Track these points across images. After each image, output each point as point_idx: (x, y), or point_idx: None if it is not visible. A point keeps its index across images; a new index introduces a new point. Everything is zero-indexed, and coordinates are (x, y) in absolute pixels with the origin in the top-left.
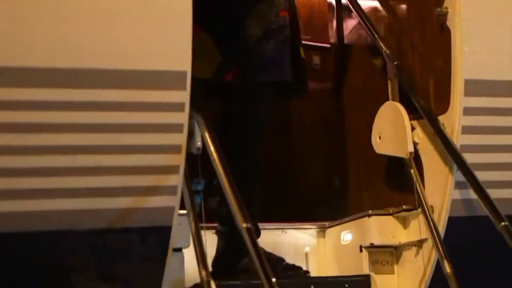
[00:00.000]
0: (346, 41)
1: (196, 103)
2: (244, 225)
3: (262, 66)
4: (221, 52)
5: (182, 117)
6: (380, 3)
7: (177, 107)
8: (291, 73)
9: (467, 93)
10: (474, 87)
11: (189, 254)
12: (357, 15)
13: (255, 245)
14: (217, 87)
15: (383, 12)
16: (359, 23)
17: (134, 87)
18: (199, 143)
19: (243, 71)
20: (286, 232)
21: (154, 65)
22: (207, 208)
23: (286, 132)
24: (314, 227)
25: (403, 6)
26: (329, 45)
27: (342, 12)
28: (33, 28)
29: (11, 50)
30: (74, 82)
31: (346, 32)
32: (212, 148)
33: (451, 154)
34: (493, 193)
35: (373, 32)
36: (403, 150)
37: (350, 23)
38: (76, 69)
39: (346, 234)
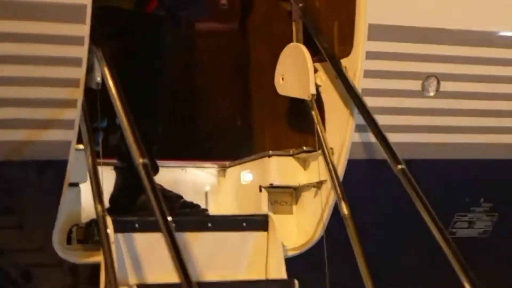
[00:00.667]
0: None
1: (98, 39)
2: (141, 160)
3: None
4: None
5: (81, 51)
6: None
7: (76, 40)
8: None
9: (370, 38)
10: (377, 32)
11: (87, 189)
12: None
13: (150, 181)
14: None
15: None
16: None
17: (34, 19)
18: (98, 78)
19: (164, 3)
20: (186, 171)
21: None
22: (107, 144)
23: (190, 72)
24: (215, 166)
25: None
26: None
27: None
28: None
29: None
30: None
31: None
32: (110, 83)
33: (352, 97)
34: (392, 137)
35: None
36: (305, 92)
37: None
38: None
39: (246, 174)
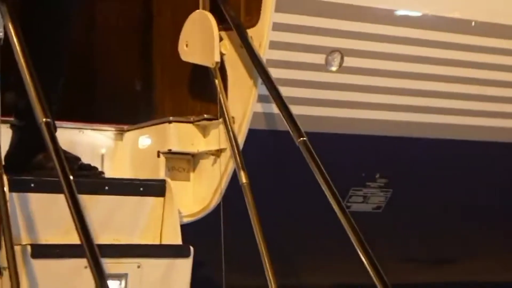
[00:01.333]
0: None
1: None
2: (44, 119)
3: None
4: None
5: None
6: None
7: None
8: None
9: (277, 9)
10: (284, 4)
11: None
12: None
13: (54, 140)
14: None
15: None
16: None
17: None
18: (0, 34)
19: None
20: (83, 132)
21: None
22: (3, 102)
23: (90, 32)
24: (112, 129)
25: None
26: None
27: None
28: None
29: None
30: None
31: None
32: (15, 39)
33: (257, 67)
34: (294, 109)
35: None
36: (209, 60)
37: None
38: None
39: (144, 139)
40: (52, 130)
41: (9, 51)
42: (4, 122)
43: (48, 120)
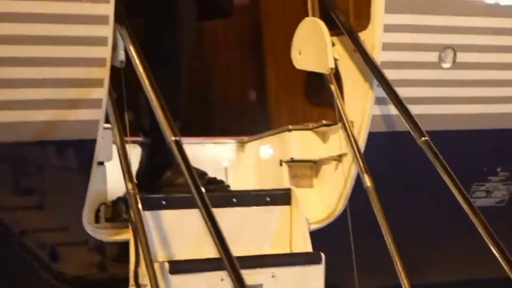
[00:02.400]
0: None
1: (121, 16)
2: (173, 138)
3: None
4: None
5: (107, 30)
6: None
7: (101, 19)
8: None
9: (387, 10)
10: (394, 4)
11: (111, 168)
12: None
13: (184, 158)
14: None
15: None
16: None
17: None
18: (122, 56)
19: None
20: (205, 147)
21: None
22: (133, 122)
23: (203, 47)
24: (233, 141)
25: None
26: None
27: None
28: None
29: None
30: None
31: None
32: (137, 61)
33: (372, 70)
34: (413, 109)
35: None
36: (323, 66)
37: None
38: None
39: (265, 149)
40: (182, 148)
41: (132, 72)
42: (134, 142)
43: (177, 138)
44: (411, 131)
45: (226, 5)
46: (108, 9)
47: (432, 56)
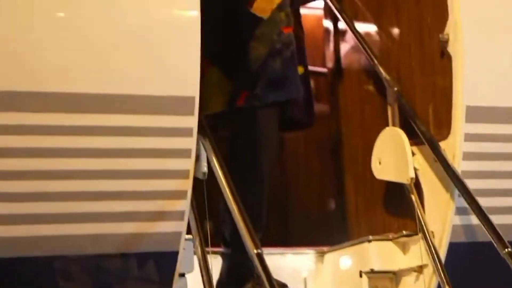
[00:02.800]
0: (343, 65)
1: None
2: (255, 251)
3: (271, 86)
4: (230, 80)
5: (190, 142)
6: (378, 27)
7: (185, 132)
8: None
9: (468, 119)
10: (475, 113)
11: (192, 279)
12: (355, 39)
13: (266, 271)
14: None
15: (382, 37)
16: (356, 47)
17: (143, 113)
18: (205, 168)
19: (253, 93)
20: (284, 257)
21: (163, 90)
22: (211, 232)
23: (281, 157)
24: (313, 251)
25: (403, 31)
26: (325, 70)
27: (339, 36)
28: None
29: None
30: (84, 107)
31: (343, 56)
32: (220, 173)
33: (453, 180)
34: (495, 219)
35: (372, 57)
36: (404, 176)
37: (347, 48)
38: (88, 94)
39: (345, 259)
40: (264, 261)
41: (213, 182)
42: (215, 253)
43: (259, 251)
44: (493, 242)
45: (307, 117)
46: (192, 122)
47: None
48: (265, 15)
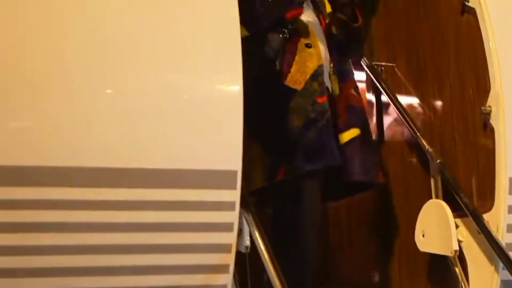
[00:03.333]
0: (386, 138)
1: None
2: None
3: (307, 156)
4: (269, 154)
5: (233, 216)
6: (420, 100)
7: (228, 206)
8: (339, 157)
9: (511, 192)
10: None
11: None
12: (398, 112)
13: None
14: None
15: (424, 109)
16: (399, 120)
17: (187, 187)
18: (247, 242)
19: (291, 165)
20: None
21: (207, 164)
22: None
23: (324, 228)
24: None
25: (445, 103)
26: None
27: (381, 108)
28: (90, 129)
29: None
30: (129, 182)
31: (386, 128)
32: (262, 247)
33: (497, 252)
34: None
35: (415, 129)
36: (447, 248)
37: (389, 120)
38: (134, 168)
39: None
40: None
41: (255, 256)
42: None
43: None
44: None
45: (370, 178)
46: (235, 195)
47: None
48: (298, 86)
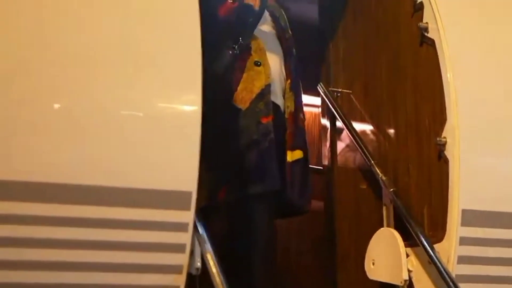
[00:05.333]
0: (339, 163)
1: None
2: None
3: (248, 178)
4: (213, 173)
5: (185, 238)
6: (376, 128)
7: (181, 227)
8: (279, 180)
9: (463, 223)
10: (470, 217)
11: None
12: (352, 139)
13: None
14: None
15: (379, 137)
16: (353, 146)
17: (139, 206)
18: (198, 264)
19: (232, 186)
20: None
21: (161, 185)
22: None
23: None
24: None
25: (400, 132)
26: (322, 168)
27: (336, 134)
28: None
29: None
30: (79, 199)
31: (339, 154)
32: (213, 269)
33: (447, 283)
34: None
35: (369, 157)
36: (397, 278)
37: (343, 146)
38: (84, 186)
39: None
40: None
41: (205, 279)
42: None
43: None
44: None
45: (303, 202)
46: (189, 217)
47: (509, 271)
48: (244, 106)
